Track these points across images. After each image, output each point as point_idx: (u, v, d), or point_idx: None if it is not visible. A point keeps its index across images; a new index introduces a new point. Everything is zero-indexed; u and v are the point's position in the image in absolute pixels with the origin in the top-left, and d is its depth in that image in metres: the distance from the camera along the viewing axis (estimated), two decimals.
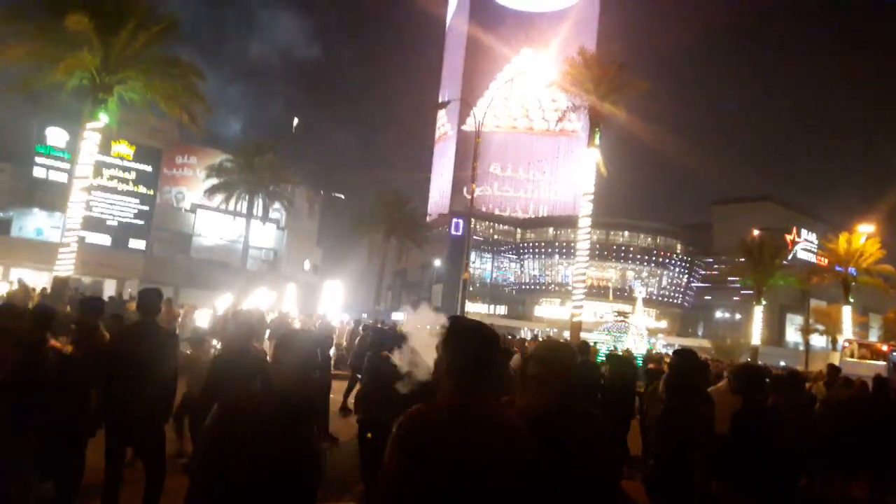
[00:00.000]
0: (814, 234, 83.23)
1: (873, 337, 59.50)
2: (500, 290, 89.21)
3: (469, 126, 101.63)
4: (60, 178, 37.50)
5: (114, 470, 4.98)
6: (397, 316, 65.66)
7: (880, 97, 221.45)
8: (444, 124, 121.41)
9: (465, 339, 2.36)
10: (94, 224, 37.38)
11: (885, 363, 25.59)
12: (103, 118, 19.53)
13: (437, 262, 78.16)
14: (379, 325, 17.76)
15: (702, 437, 4.87)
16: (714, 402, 7.48)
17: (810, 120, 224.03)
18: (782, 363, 47.56)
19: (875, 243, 42.72)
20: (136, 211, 43.00)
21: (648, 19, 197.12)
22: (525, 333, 57.90)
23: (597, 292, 74.58)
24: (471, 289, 66.22)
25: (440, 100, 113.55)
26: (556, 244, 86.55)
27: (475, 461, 2.12)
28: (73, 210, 19.95)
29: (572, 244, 34.85)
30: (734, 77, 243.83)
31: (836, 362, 29.46)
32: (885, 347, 28.82)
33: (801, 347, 65.75)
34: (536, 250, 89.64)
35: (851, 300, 43.00)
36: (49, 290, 20.03)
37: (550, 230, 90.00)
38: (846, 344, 31.58)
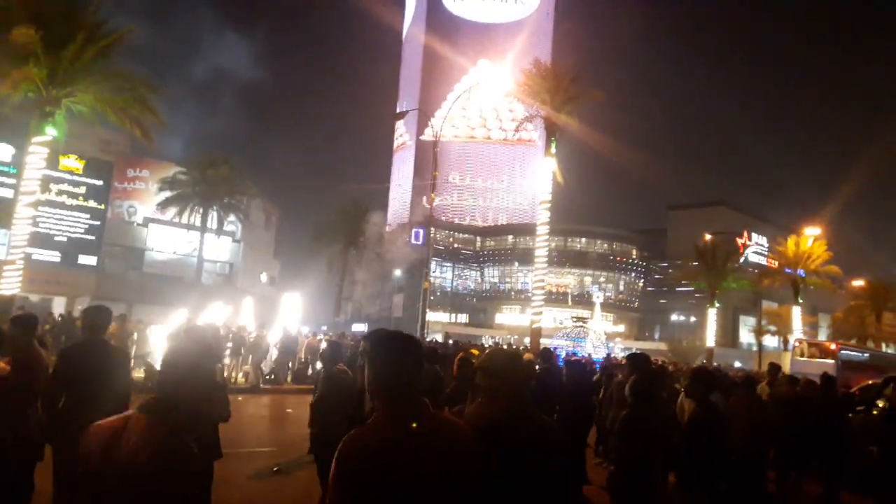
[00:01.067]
0: (764, 238, 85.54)
1: (823, 336, 61.34)
2: (461, 299, 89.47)
3: (427, 136, 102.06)
4: (6, 193, 36.32)
5: (63, 492, 4.83)
6: (357, 327, 65.21)
7: (829, 103, 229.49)
8: (403, 134, 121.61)
9: (385, 350, 2.33)
10: (41, 240, 36.30)
11: (833, 361, 26.35)
12: (51, 132, 19.03)
13: (398, 272, 77.94)
14: (336, 338, 17.62)
15: (664, 442, 4.99)
16: (674, 407, 7.66)
17: (763, 125, 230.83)
18: (737, 364, 48.77)
19: (822, 245, 44.09)
20: (86, 226, 41.85)
21: (603, 30, 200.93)
22: (486, 341, 58.09)
23: (556, 298, 75.42)
24: (432, 298, 66.18)
25: (398, 110, 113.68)
26: (515, 252, 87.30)
27: (420, 480, 2.09)
28: (18, 227, 19.33)
29: (531, 251, 35.12)
30: (690, 85, 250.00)
31: (788, 362, 30.31)
32: (833, 346, 29.69)
33: (755, 348, 67.39)
34: (496, 258, 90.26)
35: (801, 301, 44.31)
36: None
37: (509, 238, 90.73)
38: (797, 343, 32.44)
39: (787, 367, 30.11)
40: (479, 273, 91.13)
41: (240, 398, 15.13)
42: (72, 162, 40.23)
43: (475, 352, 8.36)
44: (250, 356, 18.75)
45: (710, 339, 44.33)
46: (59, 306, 35.93)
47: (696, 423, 5.34)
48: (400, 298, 79.22)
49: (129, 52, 21.53)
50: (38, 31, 16.97)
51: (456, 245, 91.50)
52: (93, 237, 42.03)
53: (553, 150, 28.42)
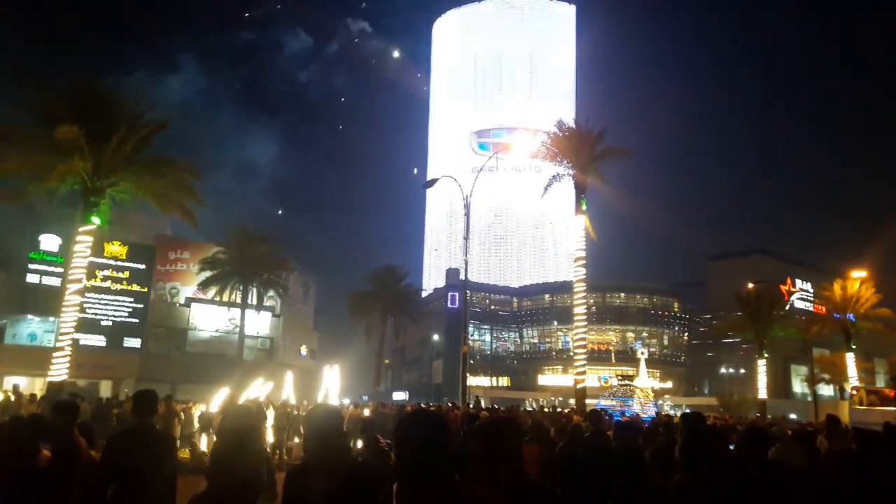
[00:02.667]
0: (808, 283, 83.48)
1: (880, 382, 58.82)
2: (502, 361, 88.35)
3: (455, 201, 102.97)
4: (54, 282, 37.56)
5: None
6: (398, 395, 64.69)
7: (862, 142, 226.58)
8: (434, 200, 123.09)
9: (405, 430, 2.40)
10: (88, 325, 37.23)
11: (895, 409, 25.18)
12: (96, 221, 19.75)
13: (436, 337, 77.61)
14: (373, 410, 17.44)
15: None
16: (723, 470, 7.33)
17: (797, 170, 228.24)
18: (792, 416, 46.86)
19: (870, 288, 42.83)
20: (130, 309, 42.88)
21: (627, 84, 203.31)
22: (530, 404, 57.00)
23: (599, 356, 73.99)
24: (472, 362, 65.61)
25: (427, 176, 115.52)
26: (553, 310, 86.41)
27: None
28: (66, 314, 19.86)
29: (569, 310, 34.77)
30: (719, 133, 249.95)
31: (846, 411, 29.09)
32: (893, 393, 28.46)
33: (809, 398, 64.84)
34: (534, 318, 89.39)
35: (854, 346, 42.74)
36: (42, 397, 19.74)
37: (546, 297, 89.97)
38: (853, 391, 31.20)
39: (845, 417, 28.87)
40: (517, 334, 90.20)
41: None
42: (116, 248, 41.59)
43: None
44: (290, 431, 18.65)
45: (762, 390, 42.82)
46: (105, 390, 36.46)
47: (754, 486, 5.08)
48: (439, 364, 78.60)
49: (167, 140, 22.41)
50: (81, 128, 17.82)
51: (493, 307, 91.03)
52: (137, 320, 42.99)
53: (583, 207, 28.47)
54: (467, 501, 2.21)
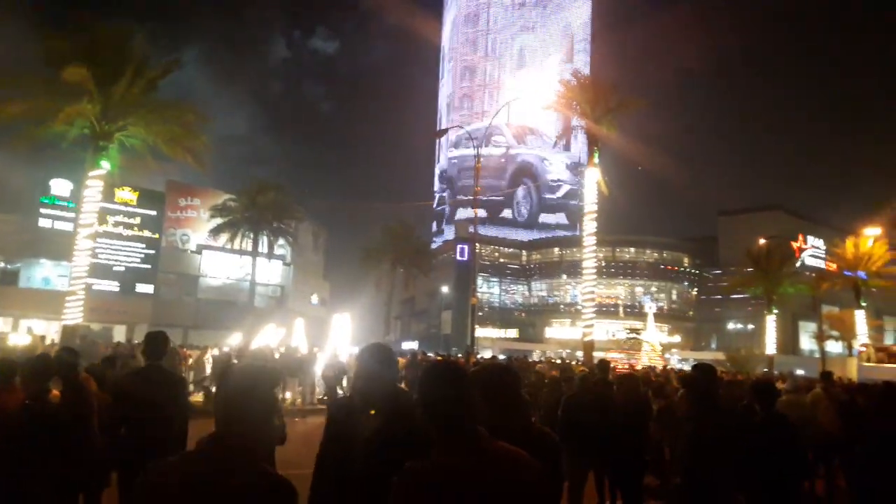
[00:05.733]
0: (821, 240, 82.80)
1: (889, 340, 58.89)
2: (510, 313, 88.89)
3: (468, 151, 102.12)
4: (66, 227, 37.75)
5: None
6: (408, 345, 65.48)
7: (881, 97, 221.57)
8: (445, 149, 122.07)
9: (432, 380, 2.32)
10: (101, 271, 37.54)
11: None
12: (105, 166, 19.70)
13: (445, 289, 78.02)
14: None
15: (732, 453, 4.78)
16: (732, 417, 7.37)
17: (813, 124, 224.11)
18: (799, 371, 47.04)
19: (883, 246, 42.43)
20: (142, 255, 43.18)
21: (644, 34, 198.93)
22: (537, 355, 57.53)
23: (607, 310, 74.23)
24: (480, 314, 66.01)
25: (438, 126, 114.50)
26: (563, 264, 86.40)
27: None
28: (79, 258, 20.00)
29: (578, 263, 34.71)
30: (735, 87, 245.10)
31: (854, 367, 29.17)
32: None
33: (817, 355, 65.04)
34: (543, 271, 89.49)
35: (864, 304, 42.60)
36: (57, 340, 20.03)
37: (556, 250, 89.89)
38: (862, 349, 31.24)
39: (853, 374, 28.96)
40: (526, 287, 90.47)
41: (295, 420, 15.22)
42: (126, 194, 41.66)
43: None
44: (297, 378, 18.89)
45: (770, 346, 42.92)
46: (119, 334, 37.04)
47: (764, 432, 5.11)
48: (448, 315, 79.20)
49: (176, 85, 22.21)
50: (89, 69, 17.61)
51: (502, 259, 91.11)
52: (149, 266, 43.34)
53: (596, 160, 28.12)
54: (492, 456, 2.16)
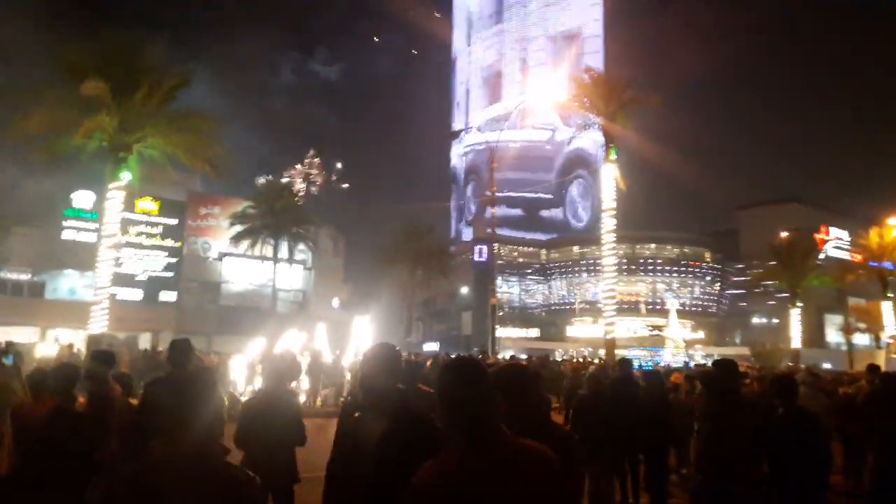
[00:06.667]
0: (844, 232, 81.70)
1: None
2: (531, 313, 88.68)
3: (480, 146, 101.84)
4: (89, 238, 38.33)
5: None
6: (429, 347, 65.59)
7: None
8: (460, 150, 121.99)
9: (451, 378, 2.26)
10: (124, 280, 38.05)
11: None
12: (125, 177, 19.98)
13: (464, 290, 78.00)
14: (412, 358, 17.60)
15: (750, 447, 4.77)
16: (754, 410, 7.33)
17: (831, 116, 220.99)
18: (826, 365, 46.44)
19: None
20: (164, 264, 43.72)
21: (657, 29, 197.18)
22: (559, 354, 57.31)
23: (628, 308, 73.85)
24: (500, 313, 65.92)
25: (452, 128, 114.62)
26: (583, 262, 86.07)
27: None
28: (102, 268, 20.32)
29: (598, 261, 34.58)
30: (753, 78, 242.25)
31: (882, 360, 28.71)
32: None
33: (844, 347, 64.13)
34: (562, 270, 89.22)
35: (890, 295, 41.93)
36: (83, 349, 20.33)
37: (575, 248, 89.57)
38: (890, 340, 30.74)
39: (882, 366, 28.50)
40: (546, 286, 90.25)
41: (319, 423, 15.28)
42: (147, 204, 42.20)
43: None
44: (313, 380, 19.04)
45: (796, 340, 42.39)
46: (144, 342, 37.49)
47: (785, 427, 5.09)
48: (468, 315, 79.17)
49: (192, 95, 22.42)
50: (106, 82, 17.87)
51: (521, 259, 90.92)
52: (171, 274, 43.87)
53: (612, 156, 28.00)
54: (517, 454, 2.15)
